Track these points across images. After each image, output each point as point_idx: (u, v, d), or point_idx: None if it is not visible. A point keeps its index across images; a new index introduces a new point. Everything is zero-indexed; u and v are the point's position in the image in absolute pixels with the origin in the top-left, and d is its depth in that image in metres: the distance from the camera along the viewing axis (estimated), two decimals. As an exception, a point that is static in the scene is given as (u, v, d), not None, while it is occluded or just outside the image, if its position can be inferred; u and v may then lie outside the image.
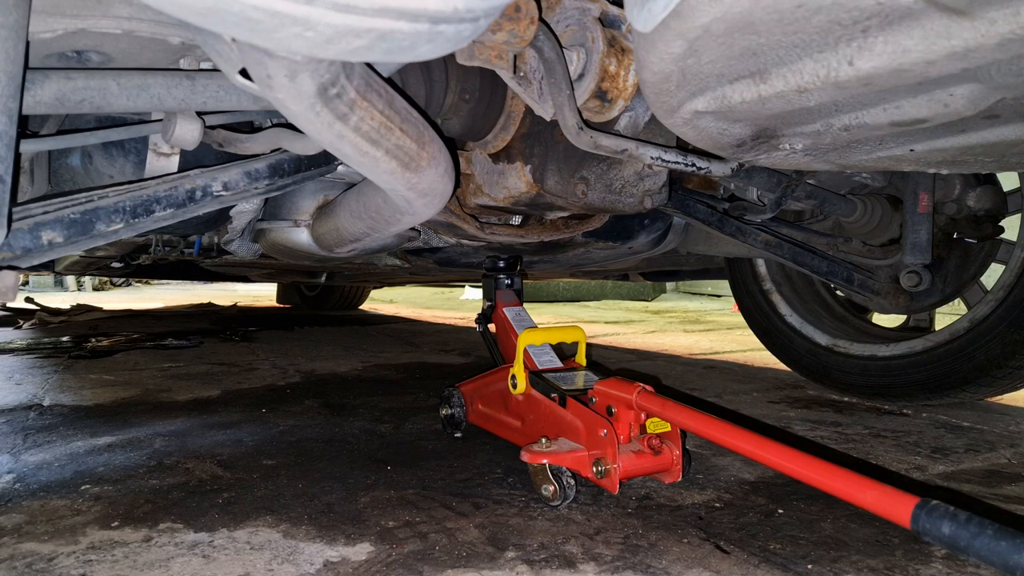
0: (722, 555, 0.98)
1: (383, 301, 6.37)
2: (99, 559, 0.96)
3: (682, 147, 1.14)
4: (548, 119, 1.04)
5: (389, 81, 0.90)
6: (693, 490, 1.24)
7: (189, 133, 1.01)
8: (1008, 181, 1.80)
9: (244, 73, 0.74)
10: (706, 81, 0.85)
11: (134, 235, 1.02)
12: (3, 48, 0.72)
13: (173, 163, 1.17)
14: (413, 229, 1.57)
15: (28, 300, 4.59)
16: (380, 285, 5.14)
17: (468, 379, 1.57)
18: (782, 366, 2.41)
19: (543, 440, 1.19)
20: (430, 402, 1.91)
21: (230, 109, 1.00)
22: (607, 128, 1.08)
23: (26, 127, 1.13)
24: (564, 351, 1.51)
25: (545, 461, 1.15)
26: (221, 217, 1.50)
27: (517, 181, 1.18)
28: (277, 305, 5.63)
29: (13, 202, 0.87)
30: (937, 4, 0.64)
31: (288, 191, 1.32)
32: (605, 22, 0.98)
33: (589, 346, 1.48)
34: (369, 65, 0.85)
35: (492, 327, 1.67)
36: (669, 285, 8.03)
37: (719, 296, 7.19)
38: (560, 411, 1.24)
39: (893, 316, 1.99)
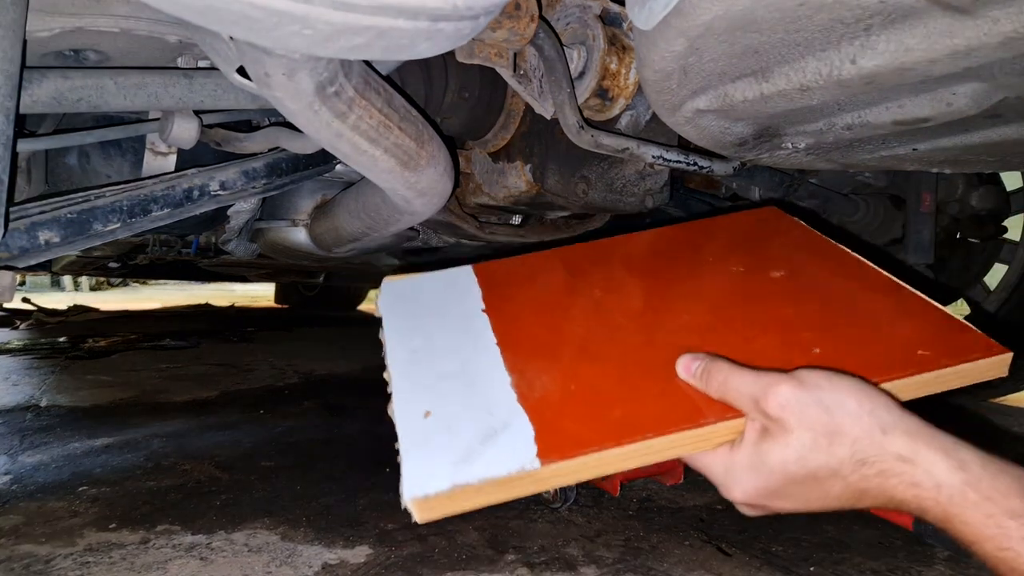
0: (724, 557, 0.97)
1: (382, 301, 6.35)
2: (96, 561, 0.95)
3: (684, 146, 1.14)
4: (548, 118, 1.04)
5: (388, 79, 0.89)
6: (695, 492, 1.23)
7: (186, 132, 1.00)
8: (1011, 181, 1.80)
9: (242, 71, 0.73)
10: (708, 79, 0.85)
11: (131, 235, 1.01)
12: (0, 47, 0.71)
13: (170, 162, 1.17)
14: (412, 229, 1.57)
15: (25, 300, 4.57)
16: (380, 285, 5.13)
17: (467, 380, 1.57)
18: (782, 366, 2.41)
19: (543, 441, 1.18)
20: (429, 403, 1.90)
21: (228, 108, 0.99)
22: (608, 127, 1.07)
23: (23, 126, 1.13)
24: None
25: (545, 462, 1.15)
26: (218, 217, 1.49)
27: (517, 180, 1.18)
28: (275, 305, 5.62)
29: (10, 202, 0.86)
30: (940, 3, 0.63)
31: (286, 190, 1.31)
32: (606, 20, 0.97)
33: (589, 346, 1.47)
34: (368, 63, 0.84)
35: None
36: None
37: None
38: (560, 412, 1.24)
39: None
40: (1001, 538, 0.47)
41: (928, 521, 0.51)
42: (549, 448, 0.52)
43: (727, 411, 0.54)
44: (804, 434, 0.51)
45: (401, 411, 0.64)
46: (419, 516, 0.50)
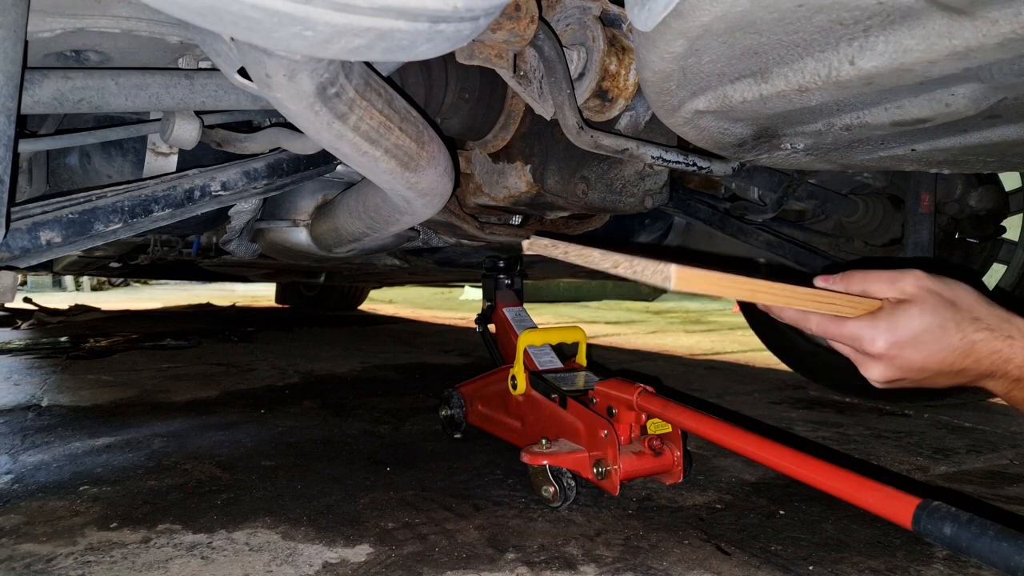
0: (723, 556, 0.97)
1: (382, 301, 6.36)
2: (98, 560, 0.96)
3: (683, 147, 1.14)
4: (548, 118, 1.04)
5: (388, 80, 0.89)
6: (694, 491, 1.23)
7: (187, 133, 1.00)
8: (1010, 181, 1.80)
9: (243, 72, 0.73)
10: (707, 80, 0.85)
11: (132, 235, 1.01)
12: (1, 48, 0.72)
13: (171, 163, 1.17)
14: (412, 229, 1.57)
15: (26, 300, 4.58)
16: (379, 285, 5.13)
17: (468, 380, 1.57)
18: (784, 367, 2.41)
19: (543, 441, 1.19)
20: (429, 403, 1.90)
21: (229, 108, 0.99)
22: (608, 127, 1.07)
23: (25, 127, 1.13)
24: (564, 352, 1.50)
25: (545, 462, 1.15)
26: (220, 217, 1.50)
27: (517, 181, 1.18)
28: (276, 305, 5.63)
29: (11, 202, 0.86)
30: (938, 3, 0.63)
31: (287, 191, 1.32)
32: (606, 21, 0.97)
33: (590, 346, 1.47)
34: (368, 64, 0.84)
35: (492, 327, 1.67)
36: (669, 285, 7.98)
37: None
38: (560, 412, 1.24)
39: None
40: None
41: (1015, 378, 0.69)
42: None
43: (866, 297, 0.75)
44: (935, 298, 0.71)
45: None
46: (676, 283, 0.67)
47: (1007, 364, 0.68)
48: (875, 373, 0.73)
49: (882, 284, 0.74)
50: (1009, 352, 0.68)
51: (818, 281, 0.77)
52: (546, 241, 0.84)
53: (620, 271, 0.75)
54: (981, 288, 0.74)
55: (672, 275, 0.67)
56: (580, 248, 0.80)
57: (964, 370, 0.70)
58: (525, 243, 0.87)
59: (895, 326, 0.70)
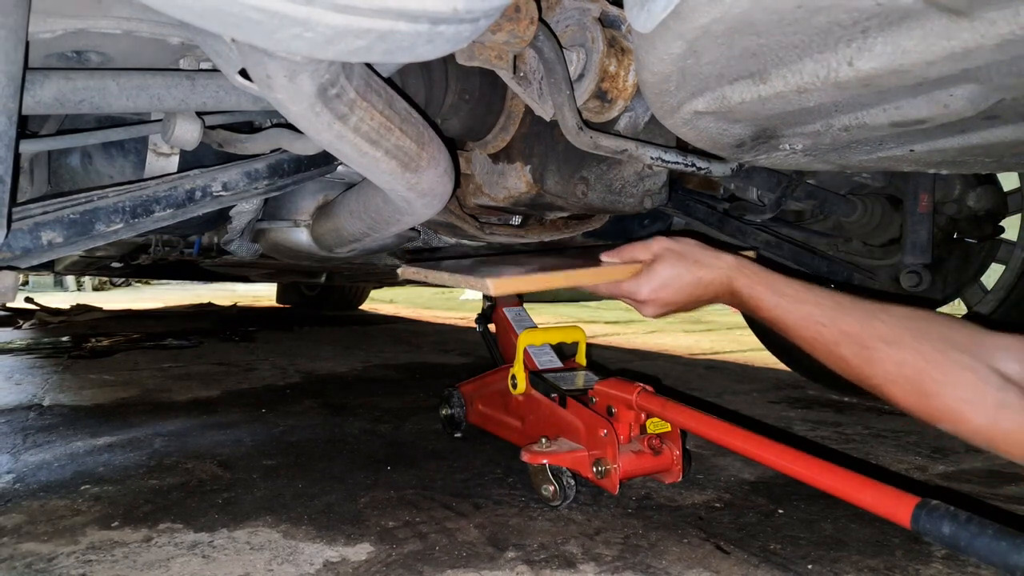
0: (722, 555, 0.98)
1: (383, 301, 6.36)
2: (99, 559, 0.96)
3: (682, 147, 1.14)
4: (548, 119, 1.04)
5: (389, 81, 0.90)
6: (693, 490, 1.24)
7: (189, 133, 1.00)
8: (1008, 181, 1.80)
9: (244, 73, 0.74)
10: (706, 81, 0.85)
11: (134, 235, 1.02)
12: (3, 48, 0.72)
13: (173, 163, 1.17)
14: (413, 229, 1.57)
15: (28, 300, 4.58)
16: (380, 285, 5.13)
17: (468, 379, 1.57)
18: (783, 366, 2.41)
19: (543, 440, 1.19)
20: (430, 402, 1.91)
21: (230, 109, 1.00)
22: (607, 128, 1.08)
23: (26, 127, 1.13)
24: (564, 351, 1.51)
25: (545, 461, 1.15)
26: (221, 217, 1.50)
27: (517, 181, 1.18)
28: (277, 305, 5.63)
29: (13, 202, 0.86)
30: (937, 5, 0.64)
31: (288, 191, 1.32)
32: (605, 22, 0.98)
33: (589, 346, 1.48)
34: (369, 66, 0.85)
35: (492, 327, 1.67)
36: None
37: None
38: (560, 411, 1.24)
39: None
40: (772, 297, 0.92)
41: (742, 294, 0.96)
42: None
43: (633, 263, 1.03)
44: (672, 254, 1.00)
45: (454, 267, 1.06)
46: (494, 291, 0.95)
47: (722, 286, 0.97)
48: (647, 312, 1.03)
49: (641, 251, 1.03)
50: (723, 277, 0.97)
51: (603, 255, 1.06)
52: (413, 269, 1.10)
53: (463, 287, 1.00)
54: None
55: (490, 285, 0.94)
56: (436, 273, 1.05)
57: (701, 296, 0.99)
58: (399, 270, 1.12)
59: (651, 280, 1.00)
